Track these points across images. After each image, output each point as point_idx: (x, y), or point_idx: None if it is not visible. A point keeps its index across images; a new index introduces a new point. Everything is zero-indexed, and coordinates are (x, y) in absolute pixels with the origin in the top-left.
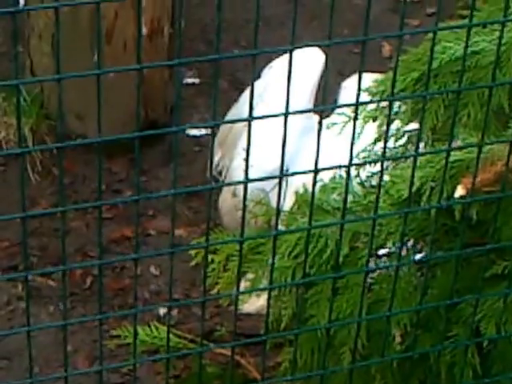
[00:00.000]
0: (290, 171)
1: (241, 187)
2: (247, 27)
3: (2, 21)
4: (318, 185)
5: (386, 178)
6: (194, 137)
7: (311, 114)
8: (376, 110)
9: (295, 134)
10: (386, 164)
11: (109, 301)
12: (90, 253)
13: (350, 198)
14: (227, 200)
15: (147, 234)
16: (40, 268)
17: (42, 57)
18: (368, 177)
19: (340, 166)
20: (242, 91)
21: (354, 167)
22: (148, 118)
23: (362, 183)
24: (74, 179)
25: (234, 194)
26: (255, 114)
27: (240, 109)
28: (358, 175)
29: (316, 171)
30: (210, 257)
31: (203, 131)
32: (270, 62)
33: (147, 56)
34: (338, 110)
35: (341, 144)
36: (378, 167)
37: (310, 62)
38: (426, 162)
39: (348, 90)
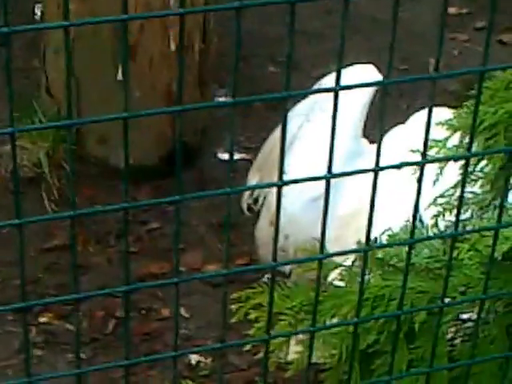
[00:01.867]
0: (335, 199)
1: (282, 219)
2: (284, 41)
3: (17, 34)
4: (385, 234)
5: (471, 228)
6: (227, 161)
7: (359, 136)
8: (458, 146)
9: (341, 158)
10: (471, 212)
11: (134, 347)
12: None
13: (426, 252)
14: (264, 230)
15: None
16: (56, 309)
17: (58, 74)
18: (447, 227)
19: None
20: (277, 111)
21: (429, 215)
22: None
23: (440, 235)
24: (94, 208)
25: (272, 223)
26: (302, 133)
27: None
28: (435, 225)
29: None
30: (253, 315)
31: (237, 155)
32: (312, 77)
33: (176, 73)
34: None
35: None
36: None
37: (361, 79)
38: None
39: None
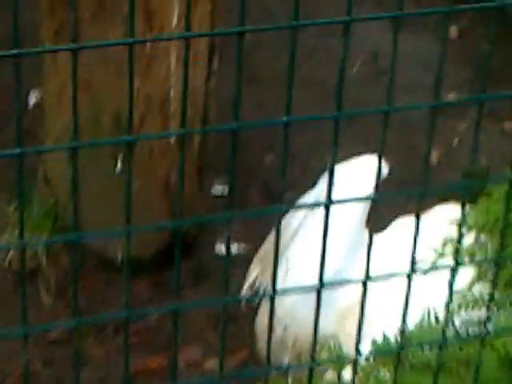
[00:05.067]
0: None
1: (281, 310)
2: (282, 131)
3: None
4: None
5: (489, 326)
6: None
7: (363, 227)
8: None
9: (346, 249)
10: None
11: None
12: None
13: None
14: (264, 324)
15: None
16: None
17: (57, 163)
18: (464, 324)
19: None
20: (274, 202)
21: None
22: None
23: (457, 332)
24: (92, 301)
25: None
26: (303, 229)
27: (287, 228)
28: (451, 322)
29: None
30: None
31: (235, 249)
32: (310, 166)
33: (176, 165)
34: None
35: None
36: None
37: (366, 170)
38: None
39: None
